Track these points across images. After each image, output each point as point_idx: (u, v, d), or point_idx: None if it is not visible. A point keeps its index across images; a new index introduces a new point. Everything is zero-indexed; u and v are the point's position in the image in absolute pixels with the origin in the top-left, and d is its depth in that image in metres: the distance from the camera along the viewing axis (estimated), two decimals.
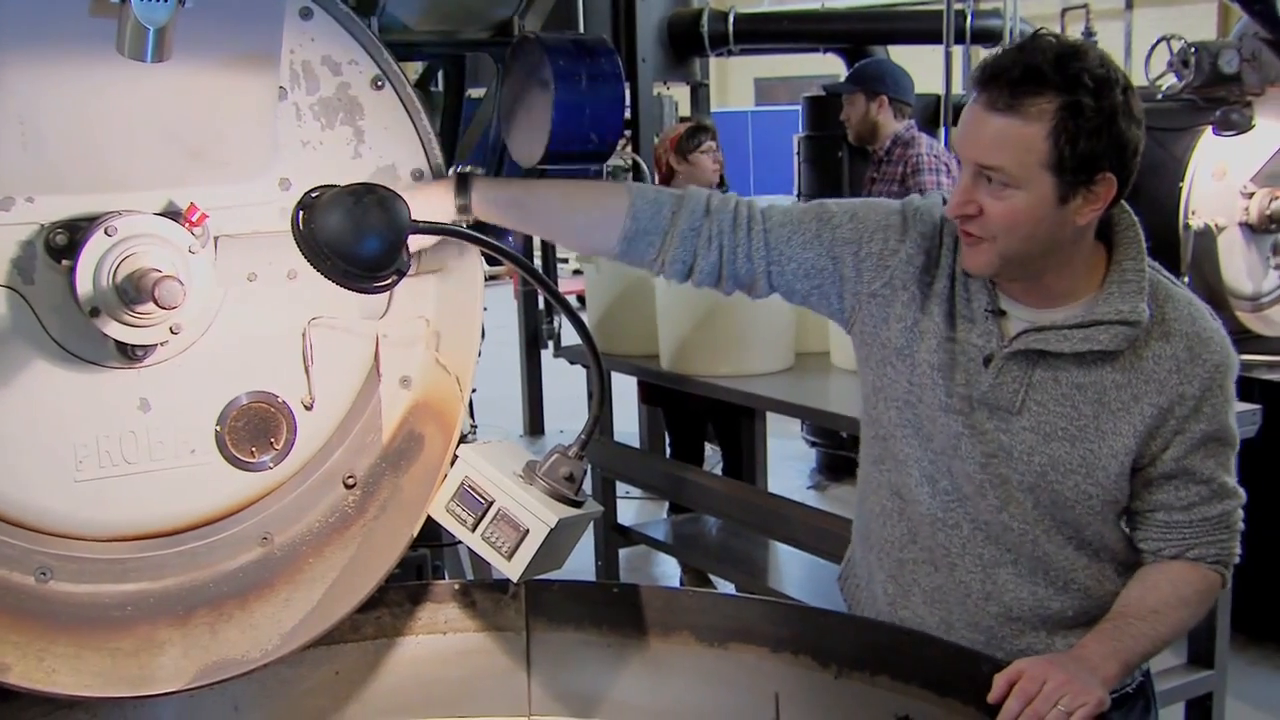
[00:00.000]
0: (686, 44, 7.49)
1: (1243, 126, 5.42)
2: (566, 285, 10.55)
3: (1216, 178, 5.54)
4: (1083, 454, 2.09)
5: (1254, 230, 5.59)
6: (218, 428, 2.13)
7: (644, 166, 6.87)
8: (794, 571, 5.13)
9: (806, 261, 2.22)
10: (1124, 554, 2.21)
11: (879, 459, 2.31)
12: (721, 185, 6.51)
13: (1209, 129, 5.48)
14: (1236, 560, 2.17)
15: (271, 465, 2.18)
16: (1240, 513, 2.16)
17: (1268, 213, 5.58)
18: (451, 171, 2.16)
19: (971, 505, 2.19)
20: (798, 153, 8.14)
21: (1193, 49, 5.54)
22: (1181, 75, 5.74)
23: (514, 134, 2.39)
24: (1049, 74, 1.93)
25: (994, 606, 2.22)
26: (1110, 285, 2.06)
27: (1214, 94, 5.51)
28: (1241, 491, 2.16)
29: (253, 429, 2.16)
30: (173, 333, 1.99)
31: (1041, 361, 2.09)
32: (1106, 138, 1.94)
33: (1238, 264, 5.70)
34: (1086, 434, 2.08)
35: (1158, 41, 6.01)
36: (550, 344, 7.70)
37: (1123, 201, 2.08)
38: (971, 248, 2.06)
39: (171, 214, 2.00)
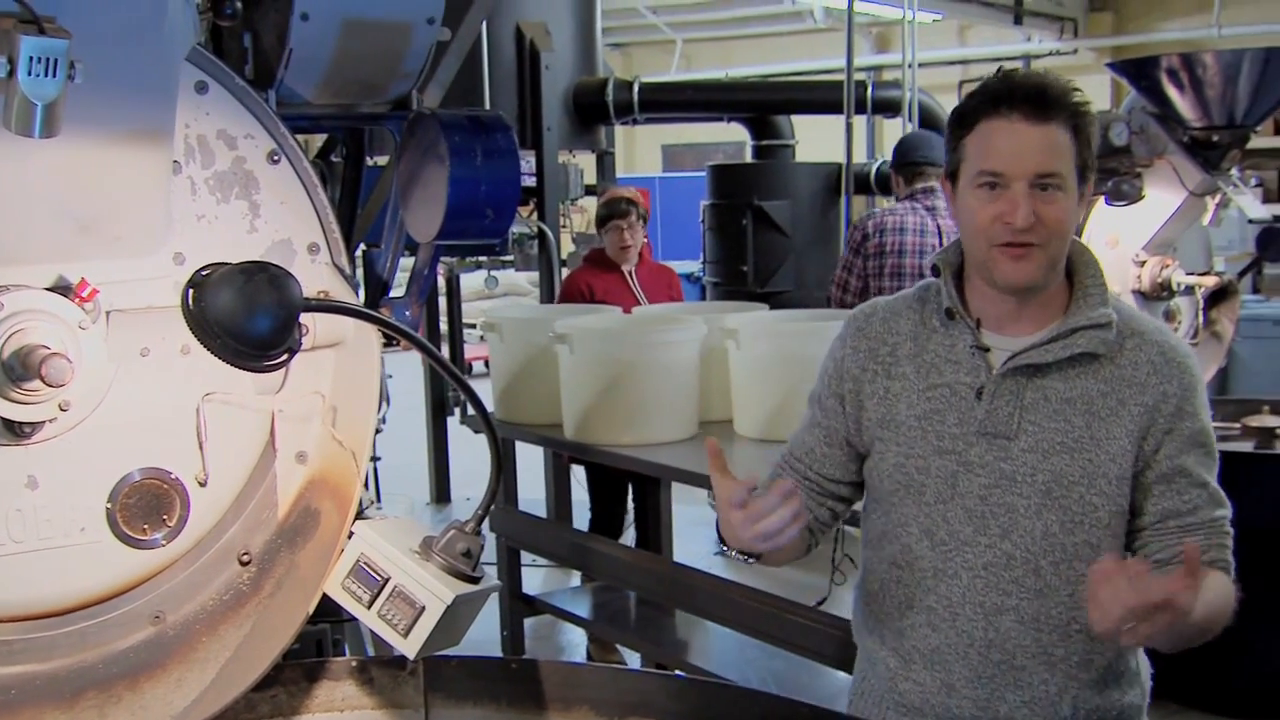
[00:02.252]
0: (592, 113, 7.54)
1: (1133, 197, 5.54)
2: (473, 351, 10.52)
3: (1110, 246, 5.66)
4: (1083, 464, 2.19)
5: (1146, 298, 5.71)
6: (109, 505, 2.09)
7: (549, 234, 6.89)
8: (702, 642, 5.12)
9: (819, 438, 2.44)
10: None
11: (878, 540, 2.39)
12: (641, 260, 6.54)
13: (1101, 199, 5.60)
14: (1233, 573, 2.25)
15: (164, 543, 2.14)
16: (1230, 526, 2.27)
17: (1159, 280, 5.70)
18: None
19: (970, 550, 2.26)
20: (703, 220, 8.21)
21: None
22: None
23: (411, 209, 2.40)
24: (1054, 89, 2.16)
25: (996, 655, 2.26)
26: (1077, 300, 2.23)
27: (1106, 164, 5.63)
28: (1229, 502, 2.27)
29: (145, 506, 2.12)
30: (61, 410, 1.96)
31: (1030, 384, 2.21)
32: (1095, 140, 2.21)
33: None
34: (1083, 444, 2.19)
35: None
36: (456, 411, 7.67)
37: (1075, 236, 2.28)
38: (1020, 260, 2.19)
39: (61, 289, 1.97)
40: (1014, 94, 2.15)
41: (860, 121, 7.16)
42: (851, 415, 2.38)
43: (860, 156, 7.42)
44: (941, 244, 5.28)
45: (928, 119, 7.66)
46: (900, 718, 2.37)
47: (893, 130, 7.61)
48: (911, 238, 5.46)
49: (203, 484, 2.15)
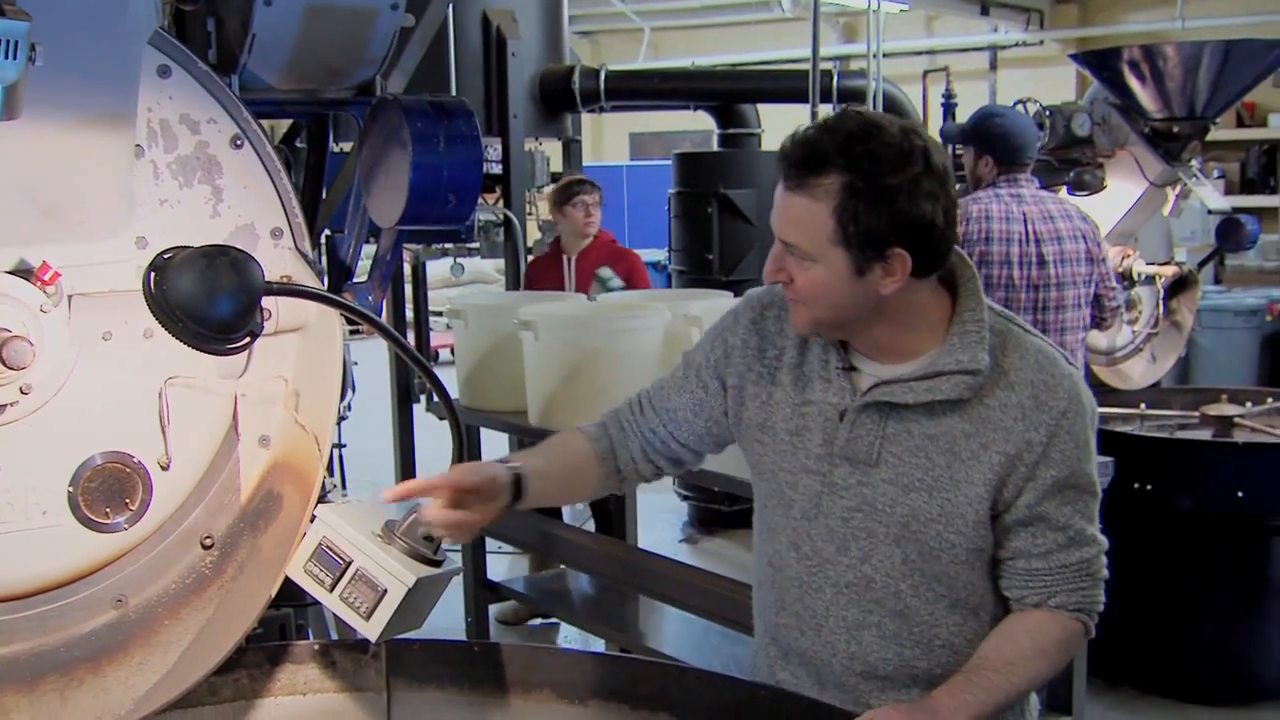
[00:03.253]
0: (558, 100, 7.51)
1: (1095, 187, 5.60)
2: (439, 339, 10.48)
3: None
4: (940, 503, 2.13)
5: None
6: (71, 489, 2.10)
7: (515, 221, 6.89)
8: (665, 627, 5.13)
9: (687, 404, 2.38)
10: (999, 610, 2.24)
11: (759, 534, 2.38)
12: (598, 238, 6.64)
13: (1064, 189, 5.64)
14: (1100, 608, 2.20)
15: (126, 526, 2.15)
16: (1103, 560, 2.19)
17: (1120, 270, 5.76)
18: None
19: (833, 568, 2.23)
20: (669, 208, 8.21)
21: (1048, 111, 5.71)
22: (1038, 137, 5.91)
23: (373, 195, 2.40)
24: (831, 155, 1.98)
25: (859, 666, 2.25)
26: (952, 337, 2.12)
27: (1068, 155, 5.69)
28: (1103, 539, 2.19)
29: (107, 490, 2.13)
30: (22, 393, 1.97)
31: (893, 414, 2.14)
32: (888, 215, 1.98)
33: None
34: (942, 484, 2.12)
35: (1015, 104, 6.18)
36: (422, 398, 7.65)
37: (962, 254, 2.15)
38: (794, 308, 2.14)
39: (23, 272, 1.97)
40: (787, 156, 2.03)
41: (826, 111, 7.17)
42: (732, 409, 2.32)
43: None
44: (1027, 232, 5.08)
45: (891, 109, 7.69)
46: None
47: None
48: (999, 225, 5.08)
49: (165, 468, 2.16)
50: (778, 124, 6.63)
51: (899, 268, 2.02)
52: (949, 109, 6.02)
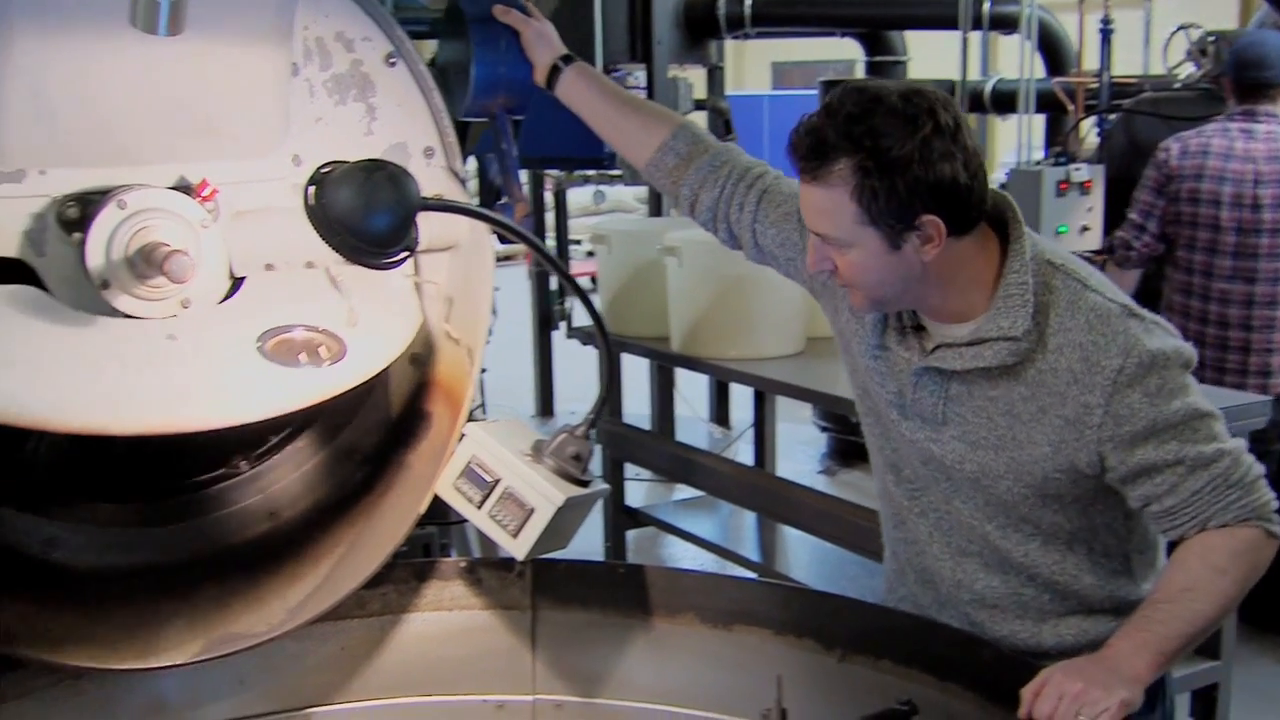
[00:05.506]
0: (703, 27, 7.44)
1: None
2: (578, 267, 10.53)
3: None
4: (1006, 461, 2.09)
5: None
6: (259, 344, 2.02)
7: None
8: (801, 556, 5.13)
9: (783, 233, 2.31)
10: (1096, 540, 2.17)
11: (869, 442, 2.34)
12: None
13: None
14: (1273, 504, 2.08)
15: (319, 369, 2.04)
16: (1244, 461, 2.06)
17: None
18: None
19: (927, 496, 2.21)
20: None
21: (1211, 38, 5.51)
22: (1199, 64, 5.71)
23: (454, 93, 2.45)
24: (835, 140, 1.94)
25: (966, 594, 2.22)
26: (996, 301, 2.06)
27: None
28: (1231, 444, 2.06)
29: (294, 348, 2.04)
30: (183, 307, 2.00)
31: (955, 376, 2.10)
32: (906, 186, 1.92)
33: None
34: (1006, 443, 2.08)
35: (1175, 30, 5.98)
36: (562, 325, 7.69)
37: (1009, 200, 2.08)
38: (849, 293, 2.10)
39: (183, 188, 2.00)
40: (794, 150, 1.99)
41: (975, 39, 7.00)
42: (826, 301, 2.28)
43: (975, 74, 7.26)
44: (1248, 172, 4.73)
45: (1046, 37, 7.49)
46: None
47: (1008, 47, 7.44)
48: (1216, 162, 4.82)
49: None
50: (926, 52, 6.52)
51: (934, 233, 1.97)
52: (1106, 36, 5.83)
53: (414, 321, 2.15)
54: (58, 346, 1.88)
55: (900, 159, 1.91)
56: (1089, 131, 6.01)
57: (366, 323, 2.07)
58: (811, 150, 1.96)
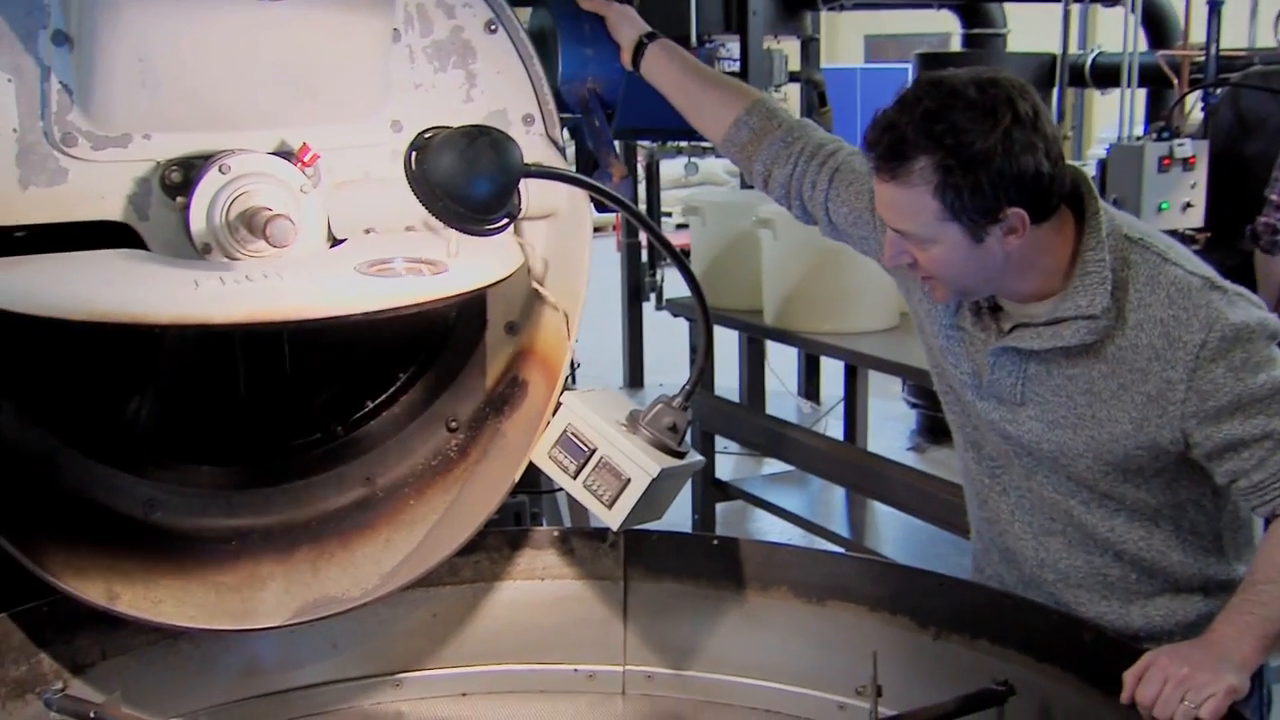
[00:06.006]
0: None
1: None
2: (670, 239, 10.51)
3: None
4: (1086, 440, 2.05)
5: None
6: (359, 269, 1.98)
7: None
8: (890, 532, 5.10)
9: (856, 211, 2.29)
10: (1183, 517, 2.13)
11: (950, 420, 2.32)
12: None
13: None
14: None
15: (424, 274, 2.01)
16: None
17: None
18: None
19: (1007, 474, 2.18)
20: None
21: None
22: None
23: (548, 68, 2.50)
24: (914, 139, 1.90)
25: (1050, 574, 2.19)
26: (1074, 280, 2.02)
27: None
28: None
29: (397, 272, 2.00)
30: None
31: (1033, 356, 2.06)
32: (990, 181, 1.89)
33: None
34: (1085, 422, 2.05)
35: None
36: (652, 297, 7.68)
37: (1084, 175, 2.04)
38: (930, 284, 2.07)
39: (284, 153, 2.01)
40: (873, 149, 1.95)
41: (1076, 10, 6.88)
42: (893, 269, 2.20)
43: (1075, 47, 7.14)
44: None
45: (1150, 8, 7.34)
46: None
47: (1109, 19, 7.31)
48: None
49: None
50: (1025, 24, 6.41)
51: (1019, 224, 1.93)
52: (1215, 7, 5.69)
53: (515, 259, 2.13)
54: (167, 268, 1.91)
55: (983, 154, 1.88)
56: (1193, 106, 5.87)
57: (467, 256, 2.05)
58: (890, 150, 1.92)
